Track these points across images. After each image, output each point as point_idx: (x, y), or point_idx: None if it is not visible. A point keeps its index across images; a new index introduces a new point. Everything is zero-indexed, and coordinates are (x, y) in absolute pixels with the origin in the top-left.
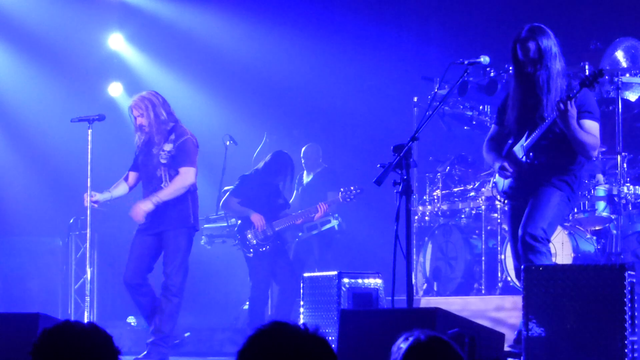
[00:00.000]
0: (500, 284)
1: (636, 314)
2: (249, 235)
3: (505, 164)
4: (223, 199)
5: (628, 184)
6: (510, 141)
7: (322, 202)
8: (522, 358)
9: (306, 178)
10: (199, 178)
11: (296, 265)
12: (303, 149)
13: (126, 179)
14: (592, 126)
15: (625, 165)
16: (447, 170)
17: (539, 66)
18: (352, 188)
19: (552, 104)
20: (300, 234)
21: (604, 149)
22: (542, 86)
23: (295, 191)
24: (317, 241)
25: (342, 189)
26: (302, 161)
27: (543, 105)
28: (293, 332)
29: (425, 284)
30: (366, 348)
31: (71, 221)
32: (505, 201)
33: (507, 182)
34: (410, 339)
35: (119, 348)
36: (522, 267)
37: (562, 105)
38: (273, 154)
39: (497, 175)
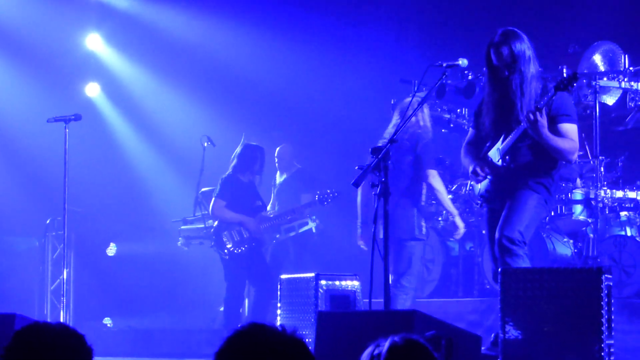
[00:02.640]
0: (477, 287)
1: (613, 317)
2: (225, 237)
3: (477, 168)
4: (211, 206)
5: (605, 188)
6: (487, 145)
7: (297, 205)
8: None
9: (279, 178)
10: (176, 179)
11: (272, 266)
12: (277, 149)
13: None
14: (570, 129)
15: (602, 169)
16: None
17: (512, 70)
18: (328, 191)
19: (526, 108)
20: (277, 235)
21: (581, 153)
22: (515, 90)
23: (272, 193)
24: (293, 243)
25: (318, 192)
26: (276, 161)
27: (517, 109)
28: (271, 334)
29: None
30: (343, 350)
31: (48, 222)
32: (483, 204)
33: (484, 185)
34: (386, 344)
35: (91, 347)
36: (499, 269)
37: (531, 116)
38: (243, 147)
39: None
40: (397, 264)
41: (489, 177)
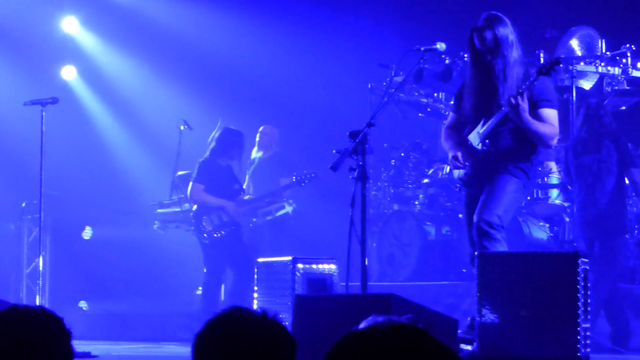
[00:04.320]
0: (454, 271)
1: (589, 300)
2: (205, 222)
3: (458, 154)
4: (190, 190)
5: None
6: (467, 129)
7: (275, 188)
8: (475, 344)
9: (255, 154)
10: (153, 162)
11: (250, 250)
12: (261, 127)
13: None
14: (550, 114)
15: None
16: (401, 156)
17: (495, 55)
18: (305, 171)
19: (508, 92)
20: (254, 219)
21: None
22: (498, 75)
23: (246, 174)
24: (269, 226)
25: (295, 173)
26: (257, 137)
27: (499, 94)
28: (252, 318)
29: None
30: (320, 333)
31: (23, 205)
32: (461, 188)
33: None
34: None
35: (70, 330)
36: (476, 253)
37: (512, 100)
38: (222, 131)
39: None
40: None
41: (467, 164)
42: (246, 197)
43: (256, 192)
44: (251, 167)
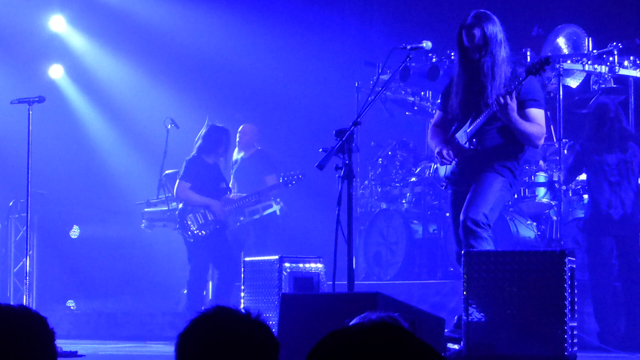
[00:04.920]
0: (440, 269)
1: (576, 299)
2: (189, 220)
3: (443, 151)
4: (176, 188)
5: None
6: (453, 127)
7: (261, 187)
8: (462, 343)
9: (236, 155)
10: (139, 161)
11: (234, 249)
12: (241, 127)
13: None
14: (537, 114)
15: (565, 151)
16: (388, 154)
17: (484, 53)
18: (292, 172)
19: (496, 91)
20: (241, 218)
21: (546, 135)
22: (486, 73)
23: (231, 173)
24: (254, 225)
25: (282, 174)
26: (237, 138)
27: (487, 92)
28: (236, 317)
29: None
30: (306, 332)
31: (10, 204)
32: (448, 186)
33: (449, 167)
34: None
35: (53, 329)
36: (463, 252)
37: (501, 100)
38: (208, 128)
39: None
40: None
41: (454, 160)
42: (232, 196)
43: (240, 191)
44: (234, 166)
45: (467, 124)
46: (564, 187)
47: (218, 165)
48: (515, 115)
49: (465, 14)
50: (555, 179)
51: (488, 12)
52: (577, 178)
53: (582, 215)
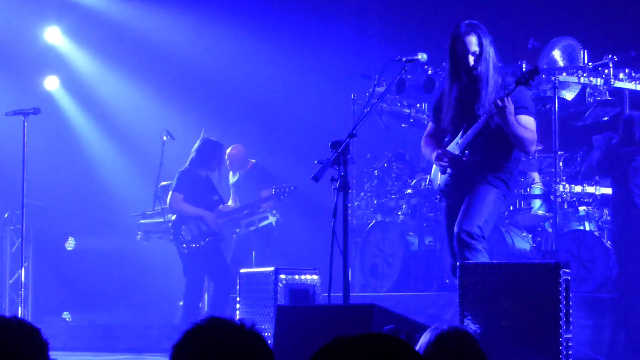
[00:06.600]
0: (436, 281)
1: (571, 311)
2: (183, 231)
3: (441, 152)
4: (169, 200)
5: (564, 183)
6: (446, 139)
7: (256, 199)
8: None
9: (232, 178)
10: (135, 173)
11: (235, 261)
12: (228, 150)
13: None
14: (528, 121)
15: (561, 163)
16: (384, 166)
17: (478, 60)
18: (284, 185)
19: (488, 101)
20: (237, 230)
21: (540, 147)
22: (482, 79)
23: (230, 191)
24: (256, 237)
25: (274, 186)
26: (227, 162)
27: (480, 102)
28: (230, 328)
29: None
30: (302, 344)
31: (6, 215)
32: (442, 199)
33: (443, 179)
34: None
35: (47, 340)
36: (458, 264)
37: (499, 102)
38: (202, 142)
39: (433, 172)
40: None
41: (449, 170)
42: (225, 208)
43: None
44: (233, 188)
45: (459, 136)
46: (559, 200)
47: (210, 178)
48: (512, 118)
49: (455, 25)
50: (551, 191)
51: (476, 22)
52: (575, 190)
53: (578, 227)
